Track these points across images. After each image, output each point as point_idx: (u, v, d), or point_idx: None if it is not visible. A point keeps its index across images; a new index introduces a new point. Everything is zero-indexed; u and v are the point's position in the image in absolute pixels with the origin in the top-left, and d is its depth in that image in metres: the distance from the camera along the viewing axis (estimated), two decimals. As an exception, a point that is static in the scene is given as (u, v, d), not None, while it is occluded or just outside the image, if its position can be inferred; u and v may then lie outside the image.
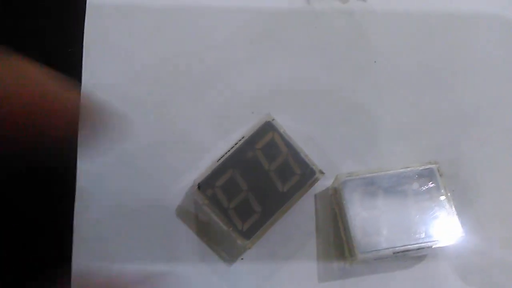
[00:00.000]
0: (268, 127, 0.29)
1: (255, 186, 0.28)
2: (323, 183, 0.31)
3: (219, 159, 0.29)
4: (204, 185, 0.28)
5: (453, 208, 0.29)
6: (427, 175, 0.30)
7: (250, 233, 0.28)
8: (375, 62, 0.33)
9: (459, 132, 0.33)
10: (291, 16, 0.34)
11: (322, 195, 0.32)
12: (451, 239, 0.28)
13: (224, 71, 0.33)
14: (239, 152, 0.29)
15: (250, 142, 0.29)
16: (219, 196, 0.28)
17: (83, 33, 0.32)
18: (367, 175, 0.30)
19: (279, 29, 0.34)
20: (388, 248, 0.28)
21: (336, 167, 0.32)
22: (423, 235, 0.28)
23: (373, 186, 0.29)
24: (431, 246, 0.28)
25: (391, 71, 0.33)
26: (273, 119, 0.29)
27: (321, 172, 0.29)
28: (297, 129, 0.32)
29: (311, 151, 0.31)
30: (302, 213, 0.31)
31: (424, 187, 0.29)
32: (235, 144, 0.29)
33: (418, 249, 0.28)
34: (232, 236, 0.28)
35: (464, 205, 0.31)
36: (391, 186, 0.29)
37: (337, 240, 0.31)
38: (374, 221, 0.29)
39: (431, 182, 0.29)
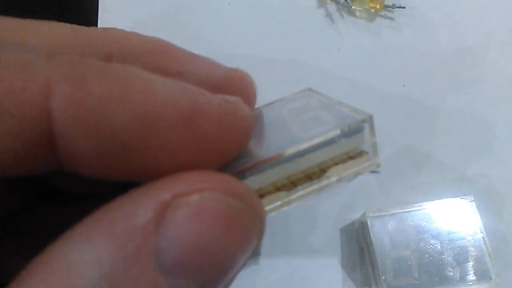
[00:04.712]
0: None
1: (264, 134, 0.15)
2: (350, 216, 0.30)
3: None
4: None
5: (490, 248, 0.27)
6: (462, 210, 0.28)
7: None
8: (403, 86, 0.31)
9: (493, 163, 0.31)
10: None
11: (347, 229, 0.30)
12: (487, 283, 0.27)
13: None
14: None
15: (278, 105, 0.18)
16: None
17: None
18: (396, 211, 0.28)
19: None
20: (420, 292, 0.26)
21: (363, 200, 0.30)
22: (457, 278, 0.27)
23: (403, 223, 0.28)
24: (466, 290, 0.27)
25: (421, 96, 0.31)
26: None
27: (369, 128, 0.14)
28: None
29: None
30: (327, 248, 0.30)
31: (458, 224, 0.28)
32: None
33: (452, 292, 0.27)
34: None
35: (498, 242, 0.29)
36: (423, 223, 0.28)
37: (365, 277, 0.29)
38: (404, 262, 0.27)
39: (466, 218, 0.28)
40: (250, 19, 0.31)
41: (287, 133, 0.14)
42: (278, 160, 0.13)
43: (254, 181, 0.13)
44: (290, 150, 0.13)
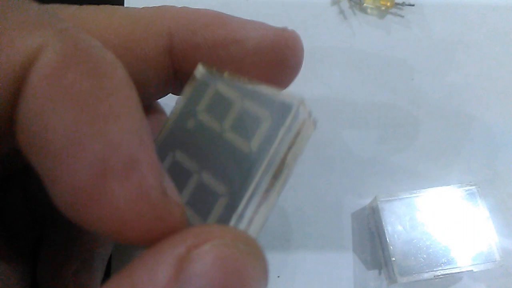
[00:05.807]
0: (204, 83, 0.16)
1: (210, 161, 0.15)
2: (360, 202, 0.31)
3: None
4: None
5: (494, 231, 0.29)
6: (468, 196, 0.29)
7: None
8: (412, 79, 0.33)
9: (496, 152, 0.32)
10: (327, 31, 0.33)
11: (358, 214, 0.32)
12: (492, 263, 0.28)
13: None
14: (175, 127, 0.17)
15: (187, 108, 0.17)
16: None
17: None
18: (406, 196, 0.29)
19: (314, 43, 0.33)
20: (428, 272, 0.28)
21: (373, 187, 0.32)
22: (464, 259, 0.28)
23: (412, 207, 0.29)
24: (472, 270, 0.28)
25: (429, 89, 0.33)
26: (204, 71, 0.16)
27: (302, 104, 0.14)
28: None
29: (348, 170, 0.31)
30: (339, 232, 0.31)
31: (464, 209, 0.29)
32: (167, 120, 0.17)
33: (459, 272, 0.28)
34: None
35: (503, 227, 0.31)
36: (431, 208, 0.29)
37: (375, 260, 0.31)
38: (414, 244, 0.28)
39: (471, 204, 0.29)
40: (267, 15, 0.33)
41: (232, 152, 0.14)
42: (251, 196, 0.13)
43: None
44: (260, 180, 0.13)
